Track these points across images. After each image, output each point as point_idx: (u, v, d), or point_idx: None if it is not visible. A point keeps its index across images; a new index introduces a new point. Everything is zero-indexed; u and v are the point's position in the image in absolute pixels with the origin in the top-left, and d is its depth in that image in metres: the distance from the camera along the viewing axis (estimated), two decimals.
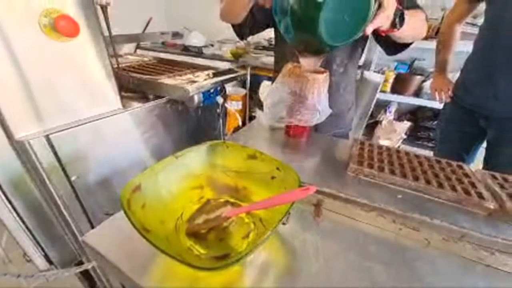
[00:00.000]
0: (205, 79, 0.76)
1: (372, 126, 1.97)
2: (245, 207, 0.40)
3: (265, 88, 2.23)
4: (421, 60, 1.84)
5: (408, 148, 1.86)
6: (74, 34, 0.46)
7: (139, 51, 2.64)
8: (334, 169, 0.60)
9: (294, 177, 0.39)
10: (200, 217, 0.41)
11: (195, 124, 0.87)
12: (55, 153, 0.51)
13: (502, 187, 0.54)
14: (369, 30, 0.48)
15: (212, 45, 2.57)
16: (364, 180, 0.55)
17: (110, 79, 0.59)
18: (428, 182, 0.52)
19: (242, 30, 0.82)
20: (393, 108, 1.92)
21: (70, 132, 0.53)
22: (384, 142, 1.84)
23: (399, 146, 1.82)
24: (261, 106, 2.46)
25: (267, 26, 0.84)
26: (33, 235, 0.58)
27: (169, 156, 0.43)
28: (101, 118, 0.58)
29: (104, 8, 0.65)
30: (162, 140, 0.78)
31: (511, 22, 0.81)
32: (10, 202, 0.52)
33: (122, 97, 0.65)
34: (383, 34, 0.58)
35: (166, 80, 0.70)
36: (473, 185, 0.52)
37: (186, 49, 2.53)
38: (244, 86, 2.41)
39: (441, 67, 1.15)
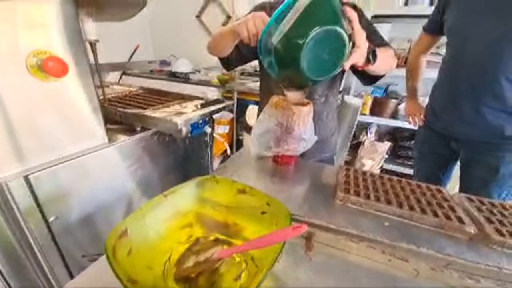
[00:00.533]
0: (194, 110, 0.77)
1: (355, 147, 2.04)
2: (237, 247, 0.40)
3: (252, 112, 2.29)
4: (394, 85, 2.00)
5: (390, 166, 1.94)
6: (62, 74, 0.47)
7: (125, 77, 2.65)
8: (322, 197, 0.61)
9: (285, 212, 0.40)
10: (189, 259, 0.40)
11: (183, 154, 0.87)
12: (33, 194, 0.49)
13: (479, 209, 0.57)
14: (347, 66, 0.53)
15: (198, 71, 2.64)
16: (352, 208, 0.57)
17: (96, 114, 0.58)
18: (411, 208, 0.54)
19: (229, 62, 0.86)
20: (373, 129, 2.02)
21: (51, 171, 0.51)
22: (367, 162, 1.91)
23: (381, 166, 1.89)
24: (248, 130, 2.50)
25: (252, 59, 0.89)
26: (6, 282, 0.52)
27: (158, 195, 0.42)
28: (85, 154, 0.57)
29: (92, 44, 0.67)
30: (148, 171, 0.76)
31: (472, 54, 0.90)
32: None
33: (107, 130, 0.64)
34: (360, 69, 0.64)
35: (153, 112, 0.71)
36: (452, 209, 0.55)
37: (173, 75, 2.57)
38: (231, 110, 2.46)
39: (412, 93, 1.26)
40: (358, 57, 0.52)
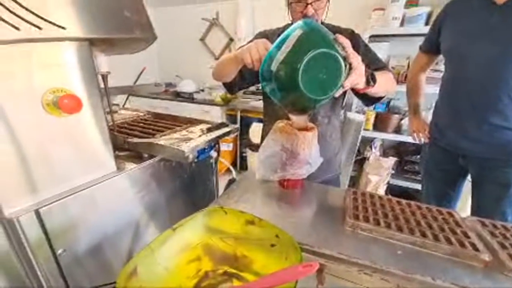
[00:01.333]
0: (200, 135, 0.78)
1: (360, 162, 2.03)
2: (246, 286, 0.39)
3: (255, 130, 2.31)
4: (396, 100, 2.02)
5: (397, 182, 1.91)
6: (77, 111, 0.49)
7: (132, 98, 2.73)
8: (331, 223, 0.60)
9: (294, 246, 0.39)
10: None
11: (189, 179, 0.87)
12: (43, 228, 0.49)
13: (492, 234, 0.55)
14: (347, 86, 0.55)
15: (202, 91, 2.71)
16: (362, 235, 0.55)
17: (106, 144, 0.60)
18: (423, 235, 0.53)
19: (232, 86, 0.89)
20: (377, 144, 2.02)
21: (60, 203, 0.52)
22: (373, 178, 1.88)
23: (388, 181, 1.86)
24: (251, 147, 2.50)
25: (255, 83, 0.92)
26: None
27: (167, 229, 0.42)
28: (94, 185, 0.58)
29: (104, 76, 0.70)
30: (156, 197, 0.76)
31: (471, 74, 0.91)
32: None
33: (116, 158, 0.66)
34: (361, 92, 0.67)
35: (161, 140, 0.72)
36: (466, 235, 0.54)
37: (178, 95, 2.65)
38: (235, 130, 2.49)
39: (414, 110, 1.25)
40: (356, 77, 0.55)
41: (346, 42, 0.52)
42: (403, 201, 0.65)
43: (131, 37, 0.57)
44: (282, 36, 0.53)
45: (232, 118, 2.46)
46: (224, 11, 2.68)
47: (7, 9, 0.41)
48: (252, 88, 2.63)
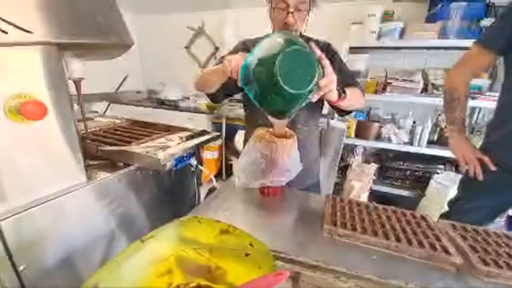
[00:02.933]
0: (179, 143, 0.77)
1: (344, 169, 2.07)
2: None
3: (241, 137, 2.31)
4: (375, 109, 2.10)
5: (379, 188, 1.96)
6: (41, 117, 0.46)
7: (113, 106, 2.64)
8: (309, 230, 0.60)
9: (267, 254, 0.38)
10: None
11: (168, 188, 0.85)
12: (4, 243, 0.45)
13: (463, 237, 0.57)
14: (320, 93, 0.58)
15: (188, 98, 2.69)
16: (339, 241, 0.56)
17: (75, 153, 0.57)
18: (398, 239, 0.54)
19: (215, 97, 0.89)
20: (359, 151, 2.07)
21: (23, 215, 0.48)
22: (356, 184, 1.92)
23: (370, 188, 1.91)
24: (237, 155, 2.49)
25: (236, 92, 0.93)
26: None
27: (135, 241, 0.40)
28: (62, 195, 0.54)
29: (77, 82, 0.67)
30: (133, 208, 0.73)
31: None
32: None
33: (88, 167, 0.62)
34: (334, 104, 0.72)
35: (136, 148, 0.70)
36: (437, 238, 0.55)
37: (162, 103, 2.60)
38: (219, 136, 2.47)
39: (461, 126, 0.99)
40: (329, 81, 0.57)
41: (317, 50, 0.56)
42: (380, 207, 0.67)
43: (104, 42, 0.55)
44: (258, 44, 0.56)
45: (217, 126, 2.44)
46: (209, 20, 2.71)
47: None
48: (238, 96, 2.63)
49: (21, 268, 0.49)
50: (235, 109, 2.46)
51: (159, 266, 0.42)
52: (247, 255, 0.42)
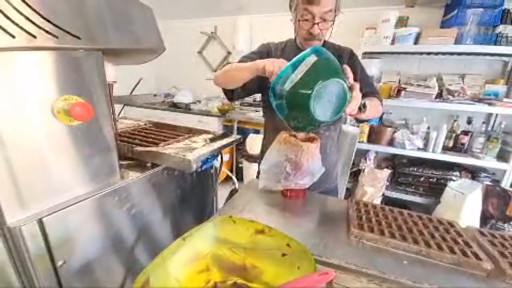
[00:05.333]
0: (203, 145, 0.79)
1: (356, 174, 2.06)
2: None
3: (251, 141, 2.32)
4: (389, 114, 2.09)
5: (391, 194, 1.93)
6: (87, 118, 0.49)
7: (126, 108, 2.71)
8: (335, 233, 0.61)
9: (307, 255, 0.39)
10: None
11: (190, 188, 0.87)
12: (46, 239, 0.47)
13: (492, 244, 0.57)
14: (348, 111, 0.60)
15: (199, 102, 2.73)
16: (367, 245, 0.56)
17: (113, 153, 0.60)
18: (427, 244, 0.54)
19: (234, 94, 0.90)
20: (372, 156, 2.06)
21: (64, 212, 0.50)
22: (369, 189, 1.91)
23: (383, 193, 1.89)
24: (248, 158, 2.48)
25: (255, 92, 0.94)
26: None
27: (177, 239, 0.41)
28: (100, 193, 0.57)
29: (110, 86, 0.70)
30: (157, 207, 0.75)
31: None
32: None
33: (120, 168, 0.65)
34: (352, 116, 0.73)
35: (165, 149, 0.72)
36: (467, 244, 0.55)
37: (174, 106, 2.65)
38: (241, 139, 2.49)
39: None
40: (354, 106, 0.60)
41: (350, 74, 0.59)
42: (405, 212, 0.67)
43: (143, 47, 0.58)
44: (297, 57, 0.57)
45: (228, 129, 2.47)
46: (222, 26, 2.77)
47: (27, 18, 0.41)
48: (249, 100, 2.67)
49: (59, 263, 0.51)
50: (247, 113, 2.49)
51: (198, 264, 0.44)
52: (283, 255, 0.43)
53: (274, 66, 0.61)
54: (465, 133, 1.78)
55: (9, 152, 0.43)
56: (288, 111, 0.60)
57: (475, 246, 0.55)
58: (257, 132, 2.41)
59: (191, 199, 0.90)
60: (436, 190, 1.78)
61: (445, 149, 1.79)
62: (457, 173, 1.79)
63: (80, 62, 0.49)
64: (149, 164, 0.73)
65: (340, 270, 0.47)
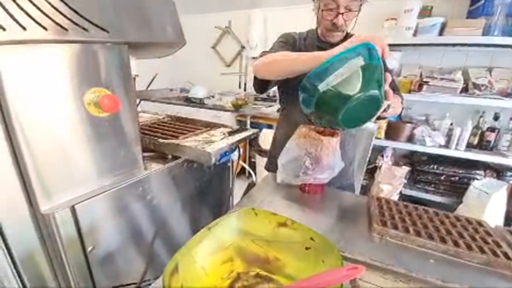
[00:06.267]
0: (222, 138, 0.79)
1: (371, 171, 2.01)
2: (291, 286, 0.38)
3: (265, 136, 2.32)
4: (408, 109, 2.01)
5: (409, 192, 1.87)
6: (115, 110, 0.50)
7: (143, 103, 2.78)
8: (357, 229, 0.60)
9: (331, 250, 0.39)
10: None
11: (208, 180, 0.88)
12: (77, 225, 0.50)
13: None
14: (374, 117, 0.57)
15: (213, 97, 2.75)
16: (391, 242, 0.55)
17: (137, 145, 0.61)
18: (456, 244, 0.52)
19: (267, 85, 0.85)
20: (389, 153, 2.00)
21: (94, 200, 0.52)
22: (385, 187, 1.86)
23: (401, 191, 1.83)
24: (260, 153, 2.48)
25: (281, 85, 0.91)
26: None
27: (203, 229, 0.42)
28: (125, 182, 0.59)
29: (133, 80, 0.72)
30: (177, 198, 0.77)
31: None
32: (21, 279, 0.48)
33: (143, 159, 0.67)
34: None
35: (185, 141, 0.73)
36: (497, 244, 0.53)
37: (188, 101, 2.68)
38: (257, 133, 2.50)
39: None
40: (382, 109, 0.57)
41: (389, 80, 0.55)
42: (430, 210, 0.64)
43: (166, 41, 0.59)
44: (341, 53, 0.51)
45: (242, 124, 2.47)
46: (236, 20, 2.75)
47: (59, 11, 0.43)
48: (263, 95, 2.65)
49: (89, 249, 0.54)
50: (260, 108, 2.48)
51: (222, 254, 0.44)
52: (307, 248, 0.43)
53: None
54: (492, 129, 1.68)
55: (44, 142, 0.46)
56: (314, 109, 0.57)
57: (505, 246, 0.52)
58: (270, 127, 2.39)
59: (209, 192, 0.92)
60: (458, 189, 1.71)
61: (469, 146, 1.70)
62: (481, 172, 1.70)
63: (108, 55, 0.51)
64: (169, 157, 0.75)
65: (365, 267, 0.46)
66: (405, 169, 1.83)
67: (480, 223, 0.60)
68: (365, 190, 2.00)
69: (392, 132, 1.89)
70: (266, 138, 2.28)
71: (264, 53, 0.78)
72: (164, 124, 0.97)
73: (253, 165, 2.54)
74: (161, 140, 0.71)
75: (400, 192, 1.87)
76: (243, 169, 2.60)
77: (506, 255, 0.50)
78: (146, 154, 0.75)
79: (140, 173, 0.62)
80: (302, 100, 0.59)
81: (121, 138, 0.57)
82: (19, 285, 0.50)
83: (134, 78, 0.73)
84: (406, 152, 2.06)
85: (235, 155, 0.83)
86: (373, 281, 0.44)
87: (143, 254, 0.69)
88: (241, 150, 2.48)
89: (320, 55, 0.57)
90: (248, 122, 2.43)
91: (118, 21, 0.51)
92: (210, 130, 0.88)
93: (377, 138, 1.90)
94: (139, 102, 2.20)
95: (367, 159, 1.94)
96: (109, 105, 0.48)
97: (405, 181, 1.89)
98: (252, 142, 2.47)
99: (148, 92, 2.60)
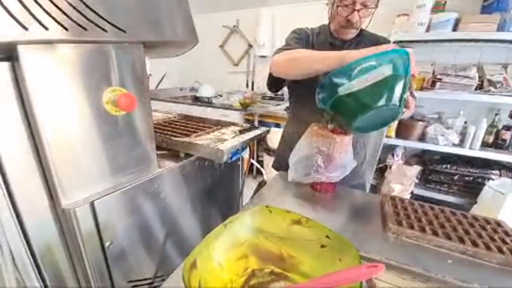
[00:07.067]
0: (233, 137, 0.80)
1: (381, 170, 1.98)
2: (302, 285, 0.38)
3: (273, 135, 2.31)
4: (420, 107, 1.96)
5: (421, 192, 1.84)
6: (131, 109, 0.51)
7: (152, 102, 2.82)
8: (370, 229, 0.59)
9: (348, 248, 0.39)
10: None
11: (219, 177, 0.89)
12: (96, 220, 0.51)
13: None
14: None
15: (220, 96, 2.76)
16: (407, 242, 0.54)
17: (152, 142, 0.62)
18: (474, 244, 0.51)
19: (282, 84, 0.84)
20: (400, 152, 1.96)
21: (112, 196, 0.54)
22: (396, 186, 1.83)
23: (412, 191, 1.80)
24: (268, 151, 2.47)
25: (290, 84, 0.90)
26: None
27: (219, 226, 0.43)
28: (141, 180, 0.60)
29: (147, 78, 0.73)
30: (189, 195, 0.78)
31: None
32: (40, 273, 0.50)
33: (157, 157, 0.68)
34: None
35: (197, 139, 0.74)
36: None
37: (196, 100, 2.71)
38: (268, 131, 2.50)
39: None
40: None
41: (413, 88, 0.53)
42: (447, 209, 0.63)
43: (180, 40, 0.59)
44: (370, 56, 0.48)
45: (250, 123, 2.48)
46: (244, 19, 2.75)
47: (79, 11, 0.44)
48: (271, 93, 2.65)
49: (107, 244, 0.55)
50: (268, 107, 2.47)
51: (237, 251, 0.45)
52: (322, 246, 0.43)
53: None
54: (508, 128, 1.63)
55: (65, 140, 0.47)
56: (329, 108, 0.57)
57: None
58: (277, 126, 2.39)
59: (219, 190, 0.93)
60: (472, 189, 1.66)
61: (484, 145, 1.65)
62: (497, 172, 1.65)
63: (125, 55, 0.52)
64: (182, 155, 0.76)
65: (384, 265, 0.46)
66: (417, 168, 1.79)
67: (498, 224, 0.58)
68: (375, 190, 1.98)
69: (403, 130, 1.85)
70: (274, 137, 2.28)
71: (280, 50, 0.75)
72: (176, 122, 0.98)
73: (261, 164, 2.54)
74: (174, 138, 0.72)
75: (412, 192, 1.84)
76: (250, 168, 2.60)
77: None
78: (159, 152, 0.76)
79: (154, 171, 0.63)
80: (318, 97, 0.59)
81: (137, 136, 0.58)
82: (38, 279, 0.51)
83: (148, 78, 0.74)
84: (417, 151, 2.02)
85: (246, 153, 0.83)
86: (389, 280, 0.43)
87: (156, 250, 0.70)
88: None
89: (344, 55, 0.55)
90: (256, 121, 2.43)
91: (134, 21, 0.52)
92: (221, 129, 0.89)
93: (387, 136, 1.87)
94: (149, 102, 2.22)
95: (377, 158, 1.92)
96: (126, 103, 0.49)
97: (417, 181, 1.85)
98: (260, 141, 2.47)
99: (157, 91, 2.64)
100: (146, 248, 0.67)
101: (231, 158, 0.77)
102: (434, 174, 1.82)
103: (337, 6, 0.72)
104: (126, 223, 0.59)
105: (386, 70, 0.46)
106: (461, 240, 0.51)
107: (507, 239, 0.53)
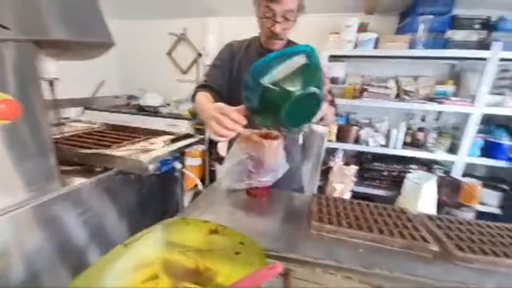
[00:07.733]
0: (163, 146, 0.75)
1: (326, 172, 2.12)
2: None
3: (224, 143, 2.29)
4: (353, 114, 2.20)
5: (360, 189, 2.03)
6: (12, 117, 0.43)
7: (87, 112, 2.51)
8: (298, 228, 0.61)
9: (258, 250, 0.38)
10: None
11: (150, 192, 0.81)
12: None
13: (439, 227, 0.61)
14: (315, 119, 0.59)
15: (168, 105, 2.63)
16: (327, 236, 0.57)
17: (49, 157, 0.53)
18: (380, 231, 0.56)
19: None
20: (340, 154, 2.15)
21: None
22: (338, 186, 1.98)
23: (352, 189, 1.97)
24: (220, 161, 2.44)
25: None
26: None
27: (117, 245, 0.37)
28: (31, 203, 0.50)
29: (51, 83, 0.64)
30: (111, 215, 0.69)
31: None
32: None
33: (61, 173, 0.58)
34: None
35: (116, 151, 0.67)
36: (416, 229, 0.59)
37: (141, 109, 2.52)
38: (202, 142, 2.43)
39: None
40: (320, 114, 0.59)
41: (327, 84, 0.59)
42: (363, 203, 0.69)
43: (84, 40, 0.53)
44: (283, 51, 0.52)
45: (200, 132, 2.41)
46: (192, 27, 2.71)
47: None
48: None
49: None
50: None
51: (144, 271, 0.40)
52: (237, 253, 0.41)
53: (227, 127, 0.55)
54: (420, 129, 1.94)
55: None
56: (258, 106, 0.57)
57: (424, 230, 0.58)
58: None
59: (153, 205, 0.85)
60: (397, 183, 1.91)
61: (405, 144, 1.93)
62: (415, 166, 1.94)
63: (8, 55, 0.43)
64: (99, 169, 0.67)
65: (298, 264, 0.47)
66: (354, 168, 1.98)
67: (403, 211, 0.67)
68: (321, 190, 2.11)
69: (341, 134, 2.04)
70: (224, 146, 2.25)
71: (198, 87, 0.83)
72: (99, 134, 0.88)
73: (213, 174, 2.47)
74: (84, 151, 0.63)
75: (352, 190, 2.02)
76: (202, 180, 2.51)
77: (423, 238, 0.55)
78: (69, 167, 0.66)
79: (55, 189, 0.54)
80: (245, 98, 0.58)
81: (27, 150, 0.49)
82: None
83: (52, 82, 0.64)
84: (355, 152, 2.24)
85: (178, 165, 0.79)
86: (304, 276, 0.44)
87: (65, 279, 0.59)
88: (196, 160, 2.39)
89: (207, 113, 0.61)
90: (207, 130, 2.38)
91: (24, 16, 0.44)
92: (151, 138, 0.82)
93: (329, 140, 2.03)
94: (83, 111, 1.99)
95: (321, 161, 2.06)
96: (5, 110, 0.41)
97: (355, 179, 2.05)
98: (211, 150, 2.42)
99: (90, 99, 2.37)
100: (56, 275, 0.56)
101: (160, 169, 0.72)
102: (369, 172, 2.03)
103: (261, 18, 0.76)
104: (15, 254, 0.48)
105: (300, 59, 0.51)
106: (370, 229, 0.56)
107: (408, 224, 0.60)
